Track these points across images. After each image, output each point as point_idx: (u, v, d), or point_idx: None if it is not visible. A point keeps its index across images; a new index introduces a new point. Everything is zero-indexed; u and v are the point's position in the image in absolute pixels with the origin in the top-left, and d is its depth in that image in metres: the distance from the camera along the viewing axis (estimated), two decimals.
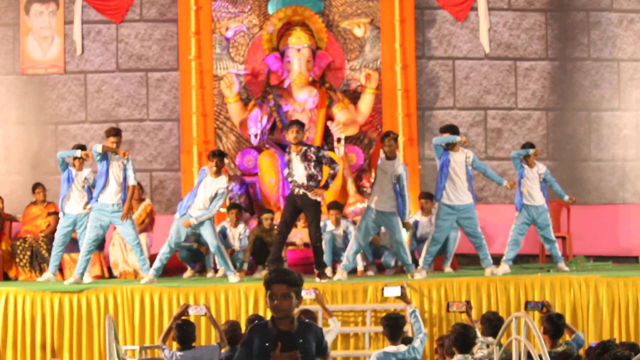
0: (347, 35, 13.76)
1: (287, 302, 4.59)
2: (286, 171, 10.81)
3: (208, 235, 10.91)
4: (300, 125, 10.74)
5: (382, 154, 10.94)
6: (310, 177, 10.59)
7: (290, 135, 10.61)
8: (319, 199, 10.66)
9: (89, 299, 10.28)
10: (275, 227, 11.68)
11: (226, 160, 13.52)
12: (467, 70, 13.82)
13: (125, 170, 10.82)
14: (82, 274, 10.92)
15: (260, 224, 11.97)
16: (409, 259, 10.93)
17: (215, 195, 10.90)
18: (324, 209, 12.61)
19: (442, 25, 13.81)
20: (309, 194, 10.57)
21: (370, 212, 10.91)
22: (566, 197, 11.61)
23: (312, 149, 10.74)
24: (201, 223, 10.85)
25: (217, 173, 10.93)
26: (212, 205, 10.89)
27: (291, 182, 10.67)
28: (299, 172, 10.59)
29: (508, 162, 12.96)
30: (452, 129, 11.04)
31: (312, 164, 10.59)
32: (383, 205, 10.83)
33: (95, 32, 13.72)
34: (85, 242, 10.88)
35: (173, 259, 11.70)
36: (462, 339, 7.18)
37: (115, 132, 10.89)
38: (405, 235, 11.12)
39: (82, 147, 11.28)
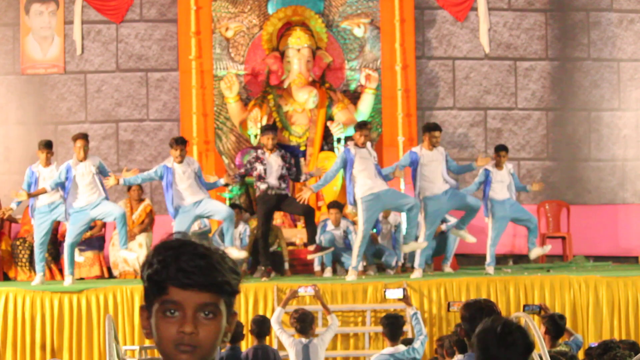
0: (347, 35, 13.76)
1: (209, 327, 2.06)
2: (256, 173, 11.09)
3: (220, 207, 10.99)
4: (275, 131, 11.43)
5: (353, 146, 10.75)
6: (281, 177, 11.08)
7: (267, 141, 11.12)
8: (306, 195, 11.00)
9: (89, 299, 10.28)
10: (275, 226, 11.78)
11: (226, 161, 13.54)
12: (467, 70, 13.81)
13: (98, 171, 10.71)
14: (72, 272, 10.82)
15: None
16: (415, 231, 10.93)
17: (199, 175, 10.87)
18: (324, 209, 12.65)
19: (442, 25, 13.80)
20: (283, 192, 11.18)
21: (371, 199, 10.66)
22: (528, 187, 11.68)
23: (288, 152, 11.45)
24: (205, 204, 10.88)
25: (182, 160, 10.84)
26: (215, 182, 11.23)
27: (264, 185, 11.04)
28: (273, 172, 11.04)
29: (508, 162, 12.91)
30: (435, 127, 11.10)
31: (287, 165, 11.10)
32: (378, 186, 10.69)
33: (95, 32, 13.72)
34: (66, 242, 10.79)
35: None
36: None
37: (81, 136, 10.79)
38: None
39: (49, 144, 11.00)
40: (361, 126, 10.93)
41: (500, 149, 11.46)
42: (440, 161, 10.94)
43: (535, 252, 11.46)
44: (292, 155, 11.54)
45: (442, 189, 10.88)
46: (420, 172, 10.86)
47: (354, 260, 10.74)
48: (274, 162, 11.03)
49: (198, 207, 10.76)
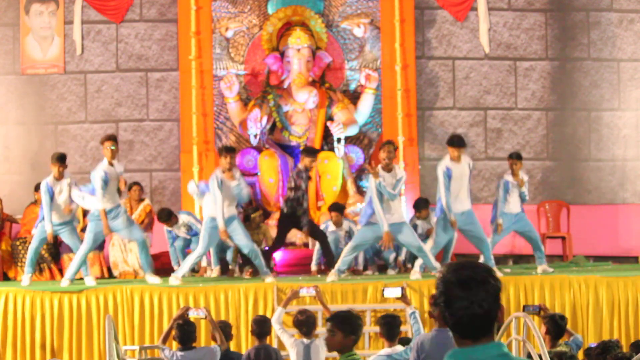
0: (347, 35, 13.76)
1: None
2: (298, 182, 11.18)
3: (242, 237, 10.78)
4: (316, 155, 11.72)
5: (380, 169, 10.50)
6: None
7: (310, 162, 11.17)
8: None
9: (89, 299, 10.29)
10: (261, 224, 11.88)
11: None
12: (467, 70, 13.82)
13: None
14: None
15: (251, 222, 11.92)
16: (433, 262, 10.70)
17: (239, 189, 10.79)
18: (324, 209, 12.65)
19: (442, 25, 13.81)
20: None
21: (373, 228, 10.56)
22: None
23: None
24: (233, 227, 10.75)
25: (231, 169, 10.77)
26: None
27: (301, 196, 11.14)
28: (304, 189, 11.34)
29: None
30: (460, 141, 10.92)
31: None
32: (391, 218, 10.53)
33: (95, 32, 13.73)
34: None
35: (168, 259, 11.73)
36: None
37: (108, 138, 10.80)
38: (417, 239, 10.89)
39: (62, 158, 10.96)
40: (381, 146, 10.83)
41: (513, 157, 11.34)
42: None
43: (542, 268, 11.25)
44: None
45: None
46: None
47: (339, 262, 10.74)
48: (305, 183, 11.32)
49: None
